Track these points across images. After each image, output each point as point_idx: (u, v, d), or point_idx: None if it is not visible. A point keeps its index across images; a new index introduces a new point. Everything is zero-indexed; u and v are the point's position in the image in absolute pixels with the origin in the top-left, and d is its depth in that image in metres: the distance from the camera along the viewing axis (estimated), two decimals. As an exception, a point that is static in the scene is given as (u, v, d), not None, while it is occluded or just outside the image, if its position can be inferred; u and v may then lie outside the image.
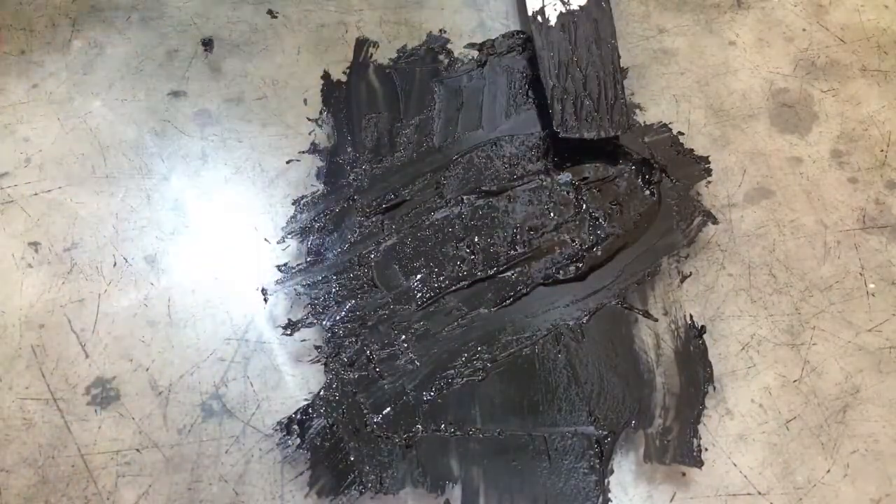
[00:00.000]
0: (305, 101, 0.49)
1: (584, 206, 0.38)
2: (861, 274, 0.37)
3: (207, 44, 0.53)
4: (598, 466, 0.32)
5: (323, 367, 0.35)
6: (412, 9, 0.47)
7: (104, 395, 0.35)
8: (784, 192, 0.39)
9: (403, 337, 0.35)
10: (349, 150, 0.46)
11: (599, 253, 0.37)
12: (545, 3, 0.44)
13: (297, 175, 0.46)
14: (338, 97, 0.49)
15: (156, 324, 0.39)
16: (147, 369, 0.37)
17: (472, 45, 0.45)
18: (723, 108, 0.42)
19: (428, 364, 0.34)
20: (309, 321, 0.37)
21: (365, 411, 0.33)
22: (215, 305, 0.40)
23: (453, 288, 0.36)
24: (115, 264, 0.42)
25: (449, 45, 0.45)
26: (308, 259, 0.41)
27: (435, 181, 0.40)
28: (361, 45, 0.52)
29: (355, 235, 0.39)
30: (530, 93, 0.43)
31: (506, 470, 0.32)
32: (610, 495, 0.32)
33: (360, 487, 0.32)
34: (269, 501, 0.32)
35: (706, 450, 0.33)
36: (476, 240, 0.37)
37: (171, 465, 0.33)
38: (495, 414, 0.33)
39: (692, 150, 0.41)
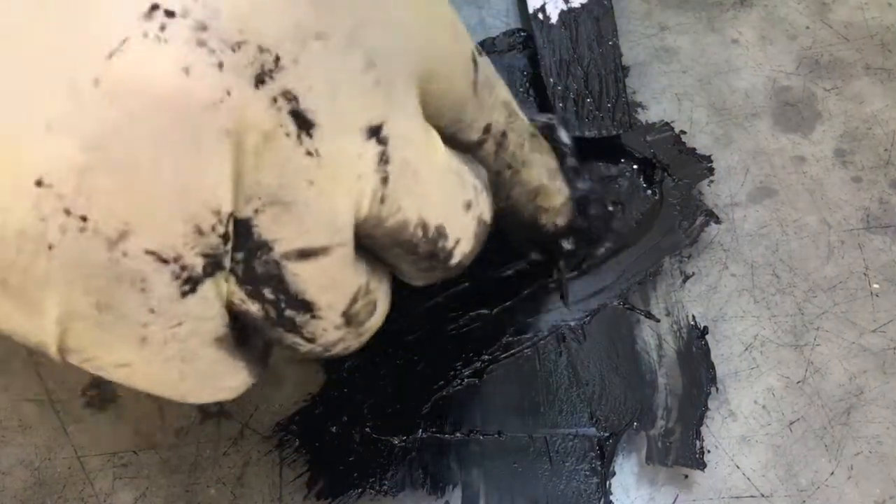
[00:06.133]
0: (305, 99, 0.49)
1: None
2: (865, 274, 0.36)
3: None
4: (599, 468, 0.32)
5: (322, 367, 0.35)
6: (412, 6, 0.47)
7: (101, 396, 0.35)
8: (787, 192, 0.39)
9: (403, 337, 0.35)
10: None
11: (601, 253, 0.37)
12: (546, 1, 0.43)
13: (297, 174, 0.45)
14: (337, 96, 0.49)
15: (154, 324, 0.39)
16: (145, 370, 0.37)
17: (472, 44, 0.45)
18: (725, 107, 0.42)
19: (428, 365, 0.34)
20: (308, 322, 0.36)
21: (365, 412, 0.33)
22: (214, 305, 0.40)
23: (453, 288, 0.36)
24: (113, 264, 0.42)
25: (449, 44, 0.45)
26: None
27: (435, 180, 0.40)
28: (361, 43, 0.51)
29: (355, 235, 0.39)
30: (531, 91, 0.42)
31: (506, 472, 0.32)
32: (612, 497, 0.31)
33: (360, 489, 0.32)
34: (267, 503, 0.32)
35: (709, 451, 0.32)
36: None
37: (169, 467, 0.32)
38: (496, 415, 0.33)
39: (694, 148, 0.40)
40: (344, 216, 0.18)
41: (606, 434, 0.32)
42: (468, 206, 0.22)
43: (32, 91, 0.15)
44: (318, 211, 0.18)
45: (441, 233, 0.21)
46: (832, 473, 0.32)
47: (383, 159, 0.19)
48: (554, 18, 0.42)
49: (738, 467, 0.32)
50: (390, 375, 0.34)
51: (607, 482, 0.32)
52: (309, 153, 0.17)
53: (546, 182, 0.28)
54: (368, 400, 0.33)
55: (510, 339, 0.35)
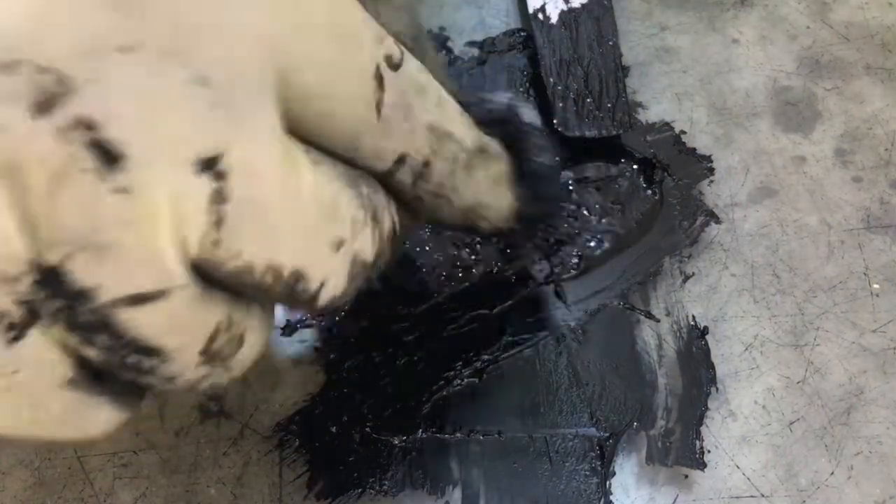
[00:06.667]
0: (305, 99, 0.49)
1: (586, 205, 0.38)
2: (865, 274, 0.36)
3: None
4: (599, 468, 0.32)
5: (322, 367, 0.35)
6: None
7: (101, 396, 0.35)
8: (787, 192, 0.39)
9: (403, 338, 0.35)
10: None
11: (601, 253, 0.37)
12: (546, 1, 0.43)
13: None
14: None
15: (154, 324, 0.39)
16: (145, 370, 0.37)
17: (472, 44, 0.45)
18: (725, 107, 0.42)
19: (428, 365, 0.34)
20: (308, 322, 0.36)
21: (365, 412, 0.33)
22: (214, 305, 0.40)
23: (453, 288, 0.36)
24: (113, 264, 0.42)
25: (449, 43, 0.45)
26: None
27: (435, 180, 0.40)
28: (361, 43, 0.51)
29: (355, 235, 0.39)
30: (531, 91, 0.42)
31: (506, 472, 0.32)
32: (612, 497, 0.31)
33: (360, 490, 0.32)
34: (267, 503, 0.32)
35: (709, 452, 0.32)
36: (476, 239, 0.37)
37: (169, 468, 0.32)
38: (496, 415, 0.33)
39: (695, 148, 0.40)
40: (172, 259, 0.16)
41: (606, 434, 0.32)
42: (338, 244, 0.19)
43: None
44: (140, 254, 0.15)
45: (300, 276, 0.18)
46: (832, 473, 0.32)
47: (219, 198, 0.16)
48: (554, 18, 0.42)
49: (738, 467, 0.32)
50: (390, 375, 0.34)
51: (607, 482, 0.32)
52: (118, 190, 0.15)
53: (484, 199, 0.24)
54: (368, 400, 0.33)
55: (510, 339, 0.35)
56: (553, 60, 0.41)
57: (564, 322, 0.35)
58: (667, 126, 0.41)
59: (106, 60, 0.14)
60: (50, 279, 0.15)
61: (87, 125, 0.14)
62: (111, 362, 0.17)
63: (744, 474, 0.32)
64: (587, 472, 0.32)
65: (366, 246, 0.20)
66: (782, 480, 0.32)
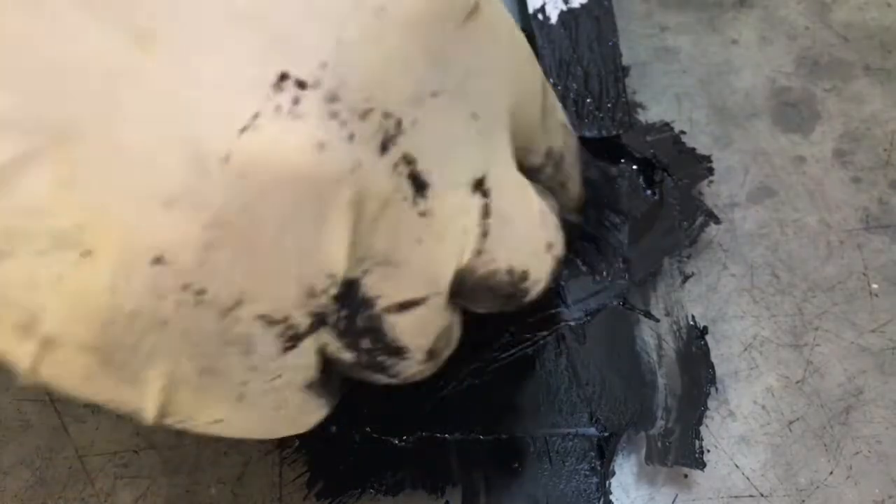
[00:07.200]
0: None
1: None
2: (864, 274, 0.37)
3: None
4: (599, 468, 0.32)
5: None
6: (412, 6, 0.47)
7: (102, 396, 0.35)
8: (787, 192, 0.39)
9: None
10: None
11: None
12: (546, 1, 0.43)
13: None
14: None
15: (154, 324, 0.39)
16: (145, 370, 0.37)
17: (472, 44, 0.45)
18: (725, 107, 0.42)
19: (428, 365, 0.34)
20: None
21: (365, 412, 0.33)
22: (214, 305, 0.40)
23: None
24: (113, 264, 0.42)
25: (449, 44, 0.45)
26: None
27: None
28: (361, 43, 0.51)
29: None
30: (531, 91, 0.42)
31: (506, 472, 0.32)
32: (612, 497, 0.32)
33: (360, 489, 0.32)
34: (267, 503, 0.32)
35: (708, 451, 0.32)
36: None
37: (170, 467, 0.32)
38: (496, 415, 0.33)
39: (694, 149, 0.40)
40: (446, 270, 0.19)
41: (606, 434, 0.32)
42: (550, 247, 0.22)
43: (148, 164, 0.14)
44: (423, 268, 0.18)
45: (525, 276, 0.21)
46: (831, 473, 0.32)
47: (485, 213, 0.19)
48: (554, 18, 0.42)
49: (737, 467, 0.32)
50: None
51: (607, 482, 0.32)
52: (421, 214, 0.17)
53: (580, 188, 0.28)
54: (368, 400, 0.33)
55: (510, 339, 0.35)
56: (553, 60, 0.41)
57: (564, 322, 0.35)
58: (667, 126, 0.41)
59: (423, 104, 0.16)
60: (347, 292, 0.17)
61: (409, 160, 0.16)
62: (361, 363, 0.19)
63: (743, 474, 0.32)
64: (587, 472, 0.32)
65: (562, 245, 0.23)
66: (781, 480, 0.32)
